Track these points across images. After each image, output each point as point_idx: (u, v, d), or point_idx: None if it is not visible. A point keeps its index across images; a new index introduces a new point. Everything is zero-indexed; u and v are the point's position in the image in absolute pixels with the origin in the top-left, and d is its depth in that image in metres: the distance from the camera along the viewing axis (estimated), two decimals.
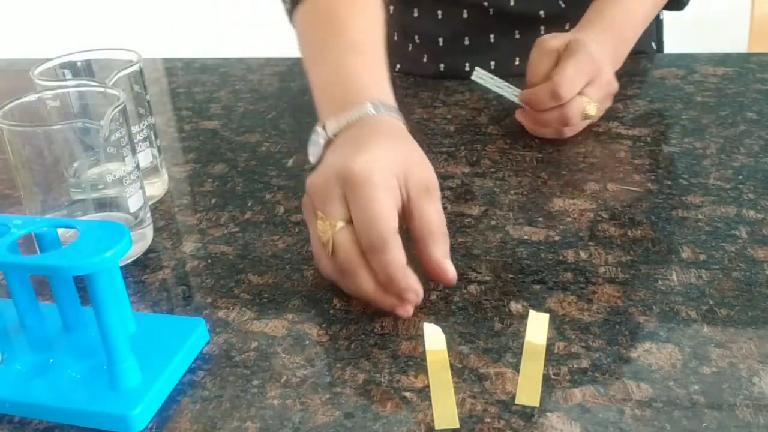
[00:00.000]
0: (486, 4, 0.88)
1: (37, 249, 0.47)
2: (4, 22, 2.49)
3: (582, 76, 0.69)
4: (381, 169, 0.49)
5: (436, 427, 0.42)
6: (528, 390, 0.43)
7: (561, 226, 0.59)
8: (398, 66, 0.97)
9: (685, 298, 0.51)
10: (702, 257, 0.55)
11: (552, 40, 0.72)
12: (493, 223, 0.60)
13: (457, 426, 0.42)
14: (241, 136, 0.79)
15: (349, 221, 0.50)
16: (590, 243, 0.57)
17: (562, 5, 0.88)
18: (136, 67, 0.63)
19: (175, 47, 1.39)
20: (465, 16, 0.89)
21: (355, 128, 0.55)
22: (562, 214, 0.61)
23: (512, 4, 0.88)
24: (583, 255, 0.56)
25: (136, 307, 0.53)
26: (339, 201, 0.50)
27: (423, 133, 0.56)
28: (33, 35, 2.40)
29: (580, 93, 0.69)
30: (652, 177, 0.66)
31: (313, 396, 0.44)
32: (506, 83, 0.76)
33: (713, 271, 0.53)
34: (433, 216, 0.50)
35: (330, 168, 0.51)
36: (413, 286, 0.48)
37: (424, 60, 0.95)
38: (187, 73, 1.00)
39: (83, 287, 0.43)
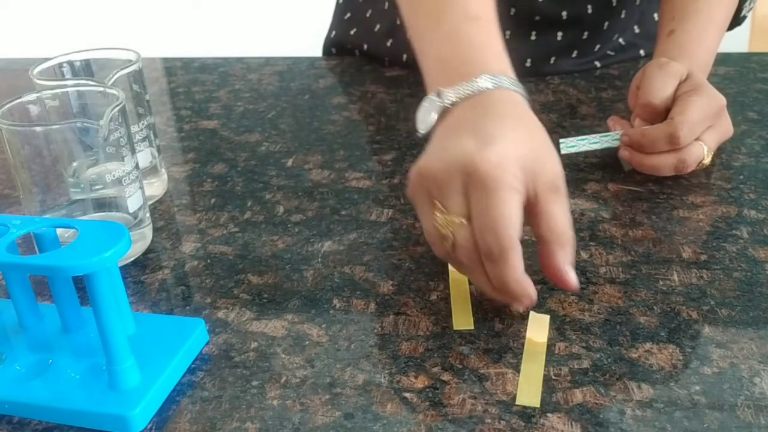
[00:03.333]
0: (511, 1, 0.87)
1: (36, 249, 0.47)
2: (4, 22, 2.49)
3: (704, 120, 0.63)
4: (511, 167, 0.46)
5: (454, 328, 0.48)
6: (528, 391, 0.43)
7: None
8: (405, 56, 0.97)
9: (686, 298, 0.51)
10: (703, 257, 0.55)
11: (675, 65, 0.66)
12: None
13: (472, 327, 0.48)
14: (241, 135, 0.79)
15: (471, 217, 0.47)
16: (591, 243, 0.57)
17: (589, 11, 0.88)
18: (135, 67, 0.62)
19: (174, 47, 1.38)
20: None
21: (475, 104, 0.51)
22: None
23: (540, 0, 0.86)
24: (583, 255, 0.56)
25: (136, 307, 0.53)
26: (462, 195, 0.47)
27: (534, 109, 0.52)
28: (32, 35, 2.40)
29: (697, 138, 0.63)
30: (653, 177, 0.65)
31: (312, 396, 0.44)
32: (598, 135, 0.68)
33: (714, 271, 0.53)
34: (559, 218, 0.47)
35: (453, 156, 0.47)
36: (527, 292, 0.47)
37: None
38: (187, 73, 0.99)
39: (82, 287, 0.43)
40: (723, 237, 0.57)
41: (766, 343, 0.46)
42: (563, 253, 0.48)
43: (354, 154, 0.73)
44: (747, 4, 0.76)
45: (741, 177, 0.65)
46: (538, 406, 0.42)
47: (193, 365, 0.47)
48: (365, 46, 0.99)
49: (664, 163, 0.64)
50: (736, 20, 0.77)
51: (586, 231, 0.59)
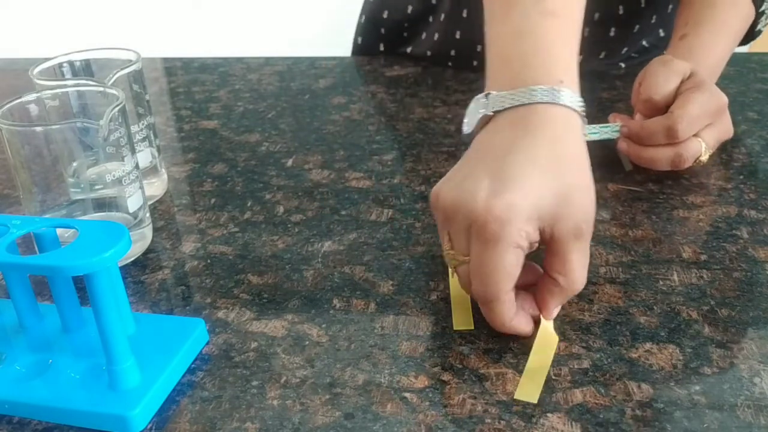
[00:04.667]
0: None
1: (36, 249, 0.47)
2: (4, 22, 2.49)
3: (704, 117, 0.63)
4: (518, 221, 0.43)
5: (454, 328, 0.48)
6: (529, 387, 0.43)
7: None
8: (428, 53, 0.97)
9: (686, 298, 0.51)
10: (703, 257, 0.55)
11: (678, 63, 0.66)
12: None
13: (472, 327, 0.48)
14: (241, 135, 0.79)
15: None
16: (591, 243, 0.57)
17: (620, 12, 0.88)
18: (135, 67, 0.62)
19: (174, 47, 1.38)
20: None
21: (516, 121, 0.48)
22: None
23: None
24: None
25: (136, 307, 0.53)
26: (466, 236, 0.45)
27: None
28: (32, 35, 2.40)
29: (696, 134, 0.63)
30: (653, 177, 0.65)
31: (312, 397, 0.44)
32: (598, 125, 0.67)
33: (714, 271, 0.53)
34: (573, 266, 0.45)
35: (464, 196, 0.45)
36: (518, 332, 0.47)
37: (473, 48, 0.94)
38: (187, 73, 0.99)
39: (82, 287, 0.43)
40: (723, 237, 0.57)
41: (766, 343, 0.46)
42: (559, 297, 0.47)
43: (354, 154, 0.73)
44: (763, 18, 0.76)
45: (741, 177, 0.65)
46: (535, 402, 0.42)
47: (193, 365, 0.47)
48: (405, 34, 0.99)
49: (661, 156, 0.63)
50: (751, 34, 0.77)
51: None
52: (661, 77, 0.66)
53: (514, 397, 0.43)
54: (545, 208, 0.44)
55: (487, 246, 0.44)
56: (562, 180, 0.45)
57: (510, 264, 0.44)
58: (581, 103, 0.49)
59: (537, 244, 0.46)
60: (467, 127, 0.51)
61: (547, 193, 0.44)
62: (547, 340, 0.47)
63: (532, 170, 0.45)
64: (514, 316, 0.46)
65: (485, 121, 0.50)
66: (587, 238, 0.46)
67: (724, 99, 0.65)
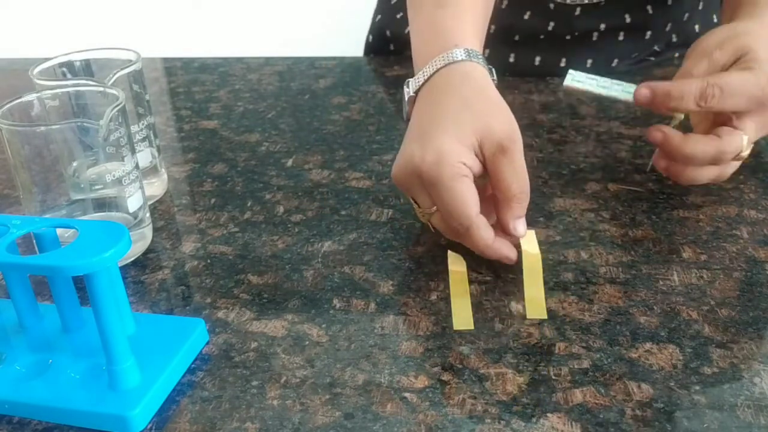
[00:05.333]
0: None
1: (36, 249, 0.47)
2: (4, 22, 2.49)
3: (743, 98, 0.57)
4: (451, 158, 0.51)
5: (454, 328, 0.49)
6: (534, 307, 0.49)
7: (561, 226, 0.59)
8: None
9: (686, 298, 0.51)
10: (703, 257, 0.55)
11: (717, 52, 0.60)
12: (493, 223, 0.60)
13: (472, 327, 0.49)
14: (241, 135, 0.79)
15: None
16: (591, 243, 0.57)
17: (627, 20, 0.88)
18: (135, 67, 0.62)
19: (174, 47, 1.39)
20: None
21: (429, 88, 0.57)
22: (562, 214, 0.61)
23: (577, 13, 0.88)
24: (583, 255, 0.56)
25: (136, 307, 0.53)
26: (423, 192, 0.54)
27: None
28: (32, 35, 2.40)
29: (735, 126, 0.58)
30: (653, 177, 0.65)
31: (312, 397, 0.44)
32: (613, 80, 0.63)
33: (714, 271, 0.53)
34: (506, 177, 0.52)
35: (404, 164, 0.54)
36: (502, 255, 0.53)
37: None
38: (187, 73, 0.99)
39: (82, 287, 0.43)
40: (723, 237, 0.57)
41: (766, 343, 0.46)
42: (509, 208, 0.53)
43: (354, 154, 0.73)
44: None
45: (741, 177, 0.65)
46: (546, 318, 0.48)
47: (193, 365, 0.47)
48: (407, 31, 0.99)
49: (698, 153, 0.58)
50: None
51: (586, 231, 0.59)
52: (704, 64, 0.60)
53: (527, 317, 0.49)
54: (469, 139, 0.52)
55: (440, 188, 0.51)
56: (476, 109, 0.53)
57: (464, 192, 0.51)
58: (479, 55, 0.57)
59: (482, 168, 0.53)
60: (405, 115, 0.60)
61: (465, 128, 0.53)
62: (532, 259, 0.52)
63: (445, 118, 0.54)
64: (494, 237, 0.52)
65: (412, 104, 0.58)
66: (513, 154, 0.52)
67: None
